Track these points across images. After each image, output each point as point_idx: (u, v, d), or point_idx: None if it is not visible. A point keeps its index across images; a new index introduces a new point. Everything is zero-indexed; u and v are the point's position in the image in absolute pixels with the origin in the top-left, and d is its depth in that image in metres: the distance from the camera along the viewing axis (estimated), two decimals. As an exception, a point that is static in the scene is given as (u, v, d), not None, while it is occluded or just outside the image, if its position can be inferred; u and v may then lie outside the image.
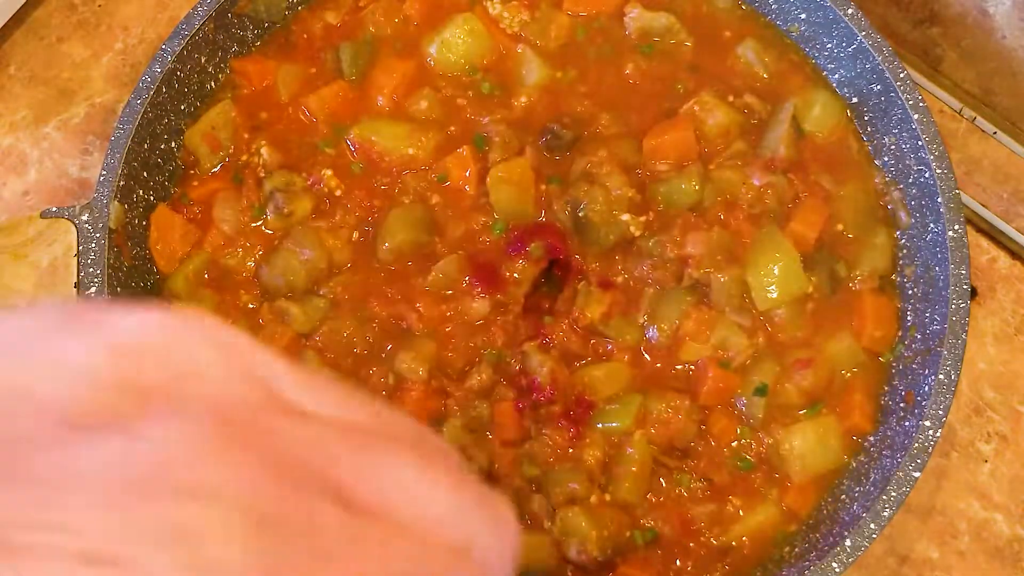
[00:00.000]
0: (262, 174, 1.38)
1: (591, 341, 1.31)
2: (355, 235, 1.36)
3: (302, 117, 1.43)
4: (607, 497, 1.26)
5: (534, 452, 1.27)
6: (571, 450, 1.26)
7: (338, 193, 1.38)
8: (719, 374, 1.29)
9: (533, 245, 1.32)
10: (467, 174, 1.36)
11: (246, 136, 1.42)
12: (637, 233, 1.33)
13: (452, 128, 1.40)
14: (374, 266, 1.35)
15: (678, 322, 1.30)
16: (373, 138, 1.39)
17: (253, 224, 1.37)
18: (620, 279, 1.33)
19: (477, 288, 1.31)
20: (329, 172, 1.38)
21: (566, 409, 1.28)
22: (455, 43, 1.42)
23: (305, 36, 1.47)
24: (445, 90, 1.43)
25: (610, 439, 1.27)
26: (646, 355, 1.31)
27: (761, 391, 1.29)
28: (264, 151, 1.39)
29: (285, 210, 1.36)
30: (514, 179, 1.34)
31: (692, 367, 1.30)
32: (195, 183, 1.41)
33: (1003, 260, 1.51)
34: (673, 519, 1.27)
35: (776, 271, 1.31)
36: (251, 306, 1.35)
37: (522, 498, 1.26)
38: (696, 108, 1.38)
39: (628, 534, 1.26)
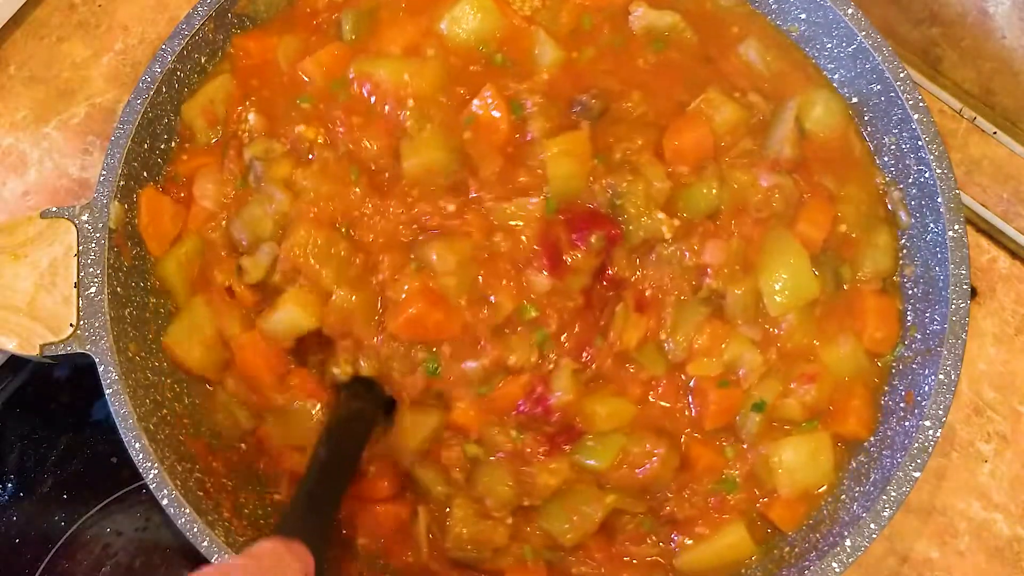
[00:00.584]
0: (246, 141, 1.37)
1: (627, 365, 1.30)
2: (354, 174, 1.33)
3: (297, 79, 1.40)
4: (510, 520, 1.26)
5: (490, 438, 1.26)
6: (535, 463, 1.25)
7: (320, 140, 1.35)
8: (720, 395, 1.28)
9: (595, 237, 1.29)
10: (495, 109, 1.32)
11: (239, 109, 1.41)
12: (668, 236, 1.30)
13: (462, 90, 1.37)
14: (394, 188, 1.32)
15: (693, 335, 1.29)
16: (369, 70, 1.36)
17: (235, 194, 1.36)
18: (648, 292, 1.31)
19: (544, 263, 1.27)
20: (302, 127, 1.35)
21: (555, 433, 1.26)
22: (464, 19, 1.40)
23: (308, 10, 1.45)
24: (455, 60, 1.40)
25: (580, 474, 1.26)
26: (658, 387, 1.30)
27: (759, 407, 1.29)
28: (251, 116, 1.38)
29: (264, 177, 1.34)
30: (576, 152, 1.31)
31: (692, 391, 1.30)
32: (184, 157, 1.40)
33: (1003, 260, 1.51)
34: (595, 558, 1.27)
35: (787, 275, 1.30)
36: (227, 285, 1.34)
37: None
38: (703, 105, 1.37)
39: (520, 548, 1.26)
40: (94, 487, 1.38)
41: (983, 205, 1.53)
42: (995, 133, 1.57)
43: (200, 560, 1.17)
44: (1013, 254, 1.51)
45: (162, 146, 1.39)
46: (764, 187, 1.33)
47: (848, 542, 1.17)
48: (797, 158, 1.36)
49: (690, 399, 1.30)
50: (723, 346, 1.29)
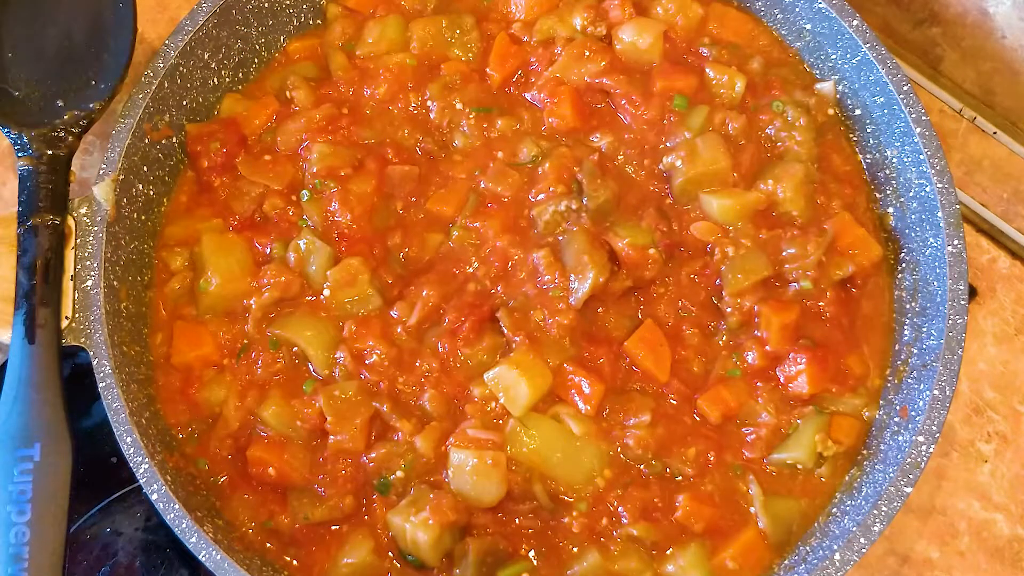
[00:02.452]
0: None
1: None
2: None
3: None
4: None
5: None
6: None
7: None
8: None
9: None
10: None
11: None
12: None
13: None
14: None
15: None
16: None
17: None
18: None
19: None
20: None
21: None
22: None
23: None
24: None
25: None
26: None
27: None
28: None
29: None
30: None
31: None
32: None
33: (1003, 260, 1.51)
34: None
35: None
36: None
37: None
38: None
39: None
40: (94, 487, 1.38)
41: (983, 205, 1.53)
42: (995, 133, 1.57)
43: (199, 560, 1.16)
44: (1013, 254, 1.51)
45: (163, 141, 1.39)
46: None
47: (837, 556, 1.16)
48: None
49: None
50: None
